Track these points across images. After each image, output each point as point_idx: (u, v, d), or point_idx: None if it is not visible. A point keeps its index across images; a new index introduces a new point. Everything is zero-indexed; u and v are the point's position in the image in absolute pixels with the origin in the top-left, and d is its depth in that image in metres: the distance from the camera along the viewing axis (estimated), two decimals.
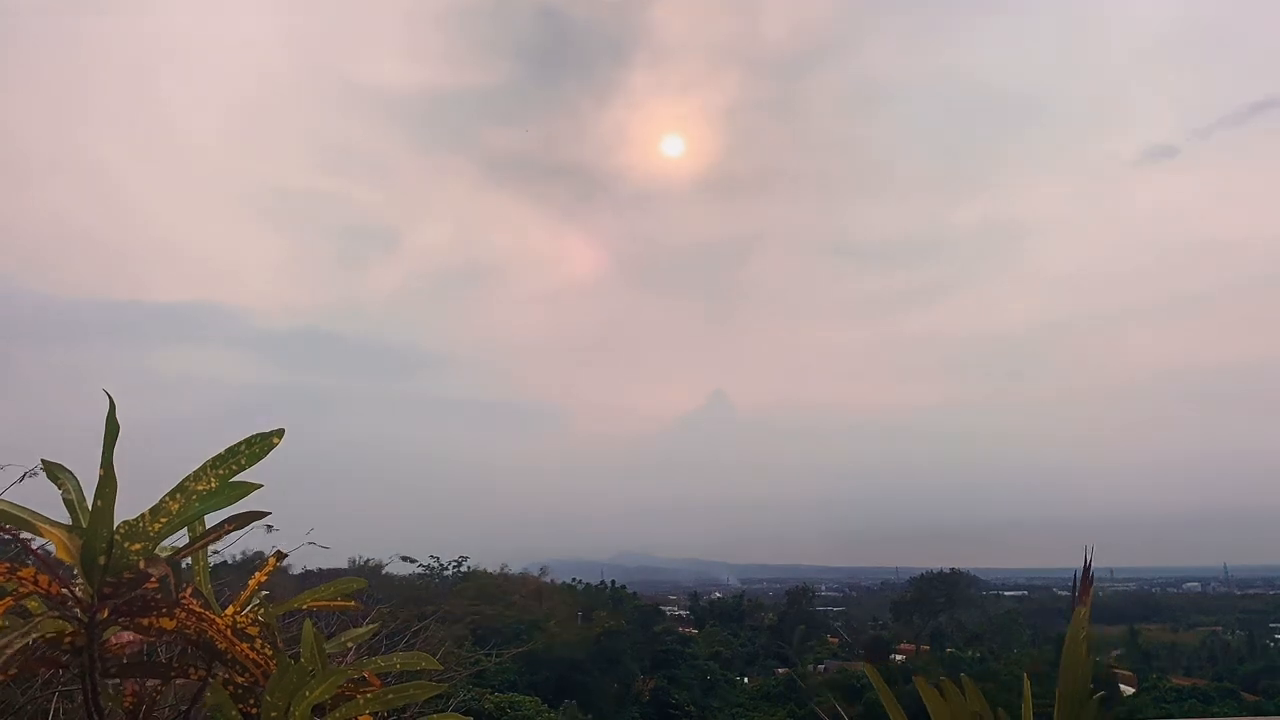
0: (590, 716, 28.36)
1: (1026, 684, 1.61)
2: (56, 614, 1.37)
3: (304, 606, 1.84)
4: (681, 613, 60.80)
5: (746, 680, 44.42)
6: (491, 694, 21.02)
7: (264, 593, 1.75)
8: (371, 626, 2.01)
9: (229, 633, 1.45)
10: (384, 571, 31.25)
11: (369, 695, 1.68)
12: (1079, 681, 1.49)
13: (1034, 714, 1.62)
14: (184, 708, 1.82)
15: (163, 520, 1.33)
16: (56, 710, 2.94)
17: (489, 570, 41.97)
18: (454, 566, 39.36)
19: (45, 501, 1.42)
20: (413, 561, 36.83)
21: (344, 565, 28.85)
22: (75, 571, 1.37)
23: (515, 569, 46.77)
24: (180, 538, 1.50)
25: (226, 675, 1.56)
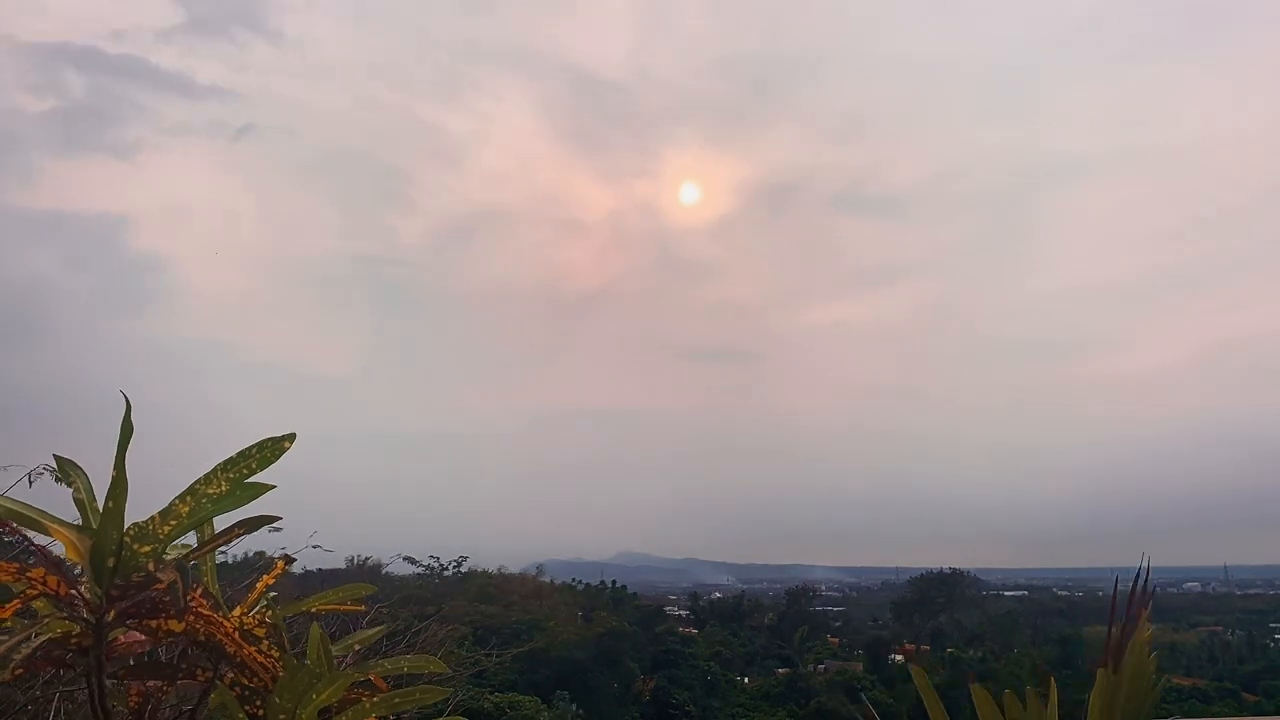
0: (581, 709, 28.39)
1: (1053, 689, 1.58)
2: (64, 615, 1.36)
3: (311, 609, 1.84)
4: (681, 613, 60.74)
5: (747, 680, 44.42)
6: (491, 694, 21.04)
7: (272, 594, 1.75)
8: (379, 629, 2.01)
9: (237, 635, 1.45)
10: (384, 571, 31.20)
11: (375, 699, 1.68)
12: (1142, 698, 1.44)
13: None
14: (188, 708, 1.82)
15: (173, 523, 1.33)
16: (58, 710, 2.94)
17: (489, 570, 41.98)
18: (454, 566, 39.33)
19: (54, 500, 1.42)
20: (413, 561, 36.81)
21: (343, 565, 28.81)
22: (83, 572, 1.36)
23: (515, 569, 46.80)
24: (189, 539, 1.50)
25: (233, 677, 1.56)
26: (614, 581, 50.95)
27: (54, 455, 1.47)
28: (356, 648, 1.99)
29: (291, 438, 1.37)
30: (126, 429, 1.28)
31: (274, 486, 1.37)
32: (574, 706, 27.54)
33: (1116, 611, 1.51)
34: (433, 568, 38.37)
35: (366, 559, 30.81)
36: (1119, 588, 1.56)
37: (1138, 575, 1.53)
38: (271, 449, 1.35)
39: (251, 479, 1.35)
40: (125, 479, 1.27)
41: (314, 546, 5.93)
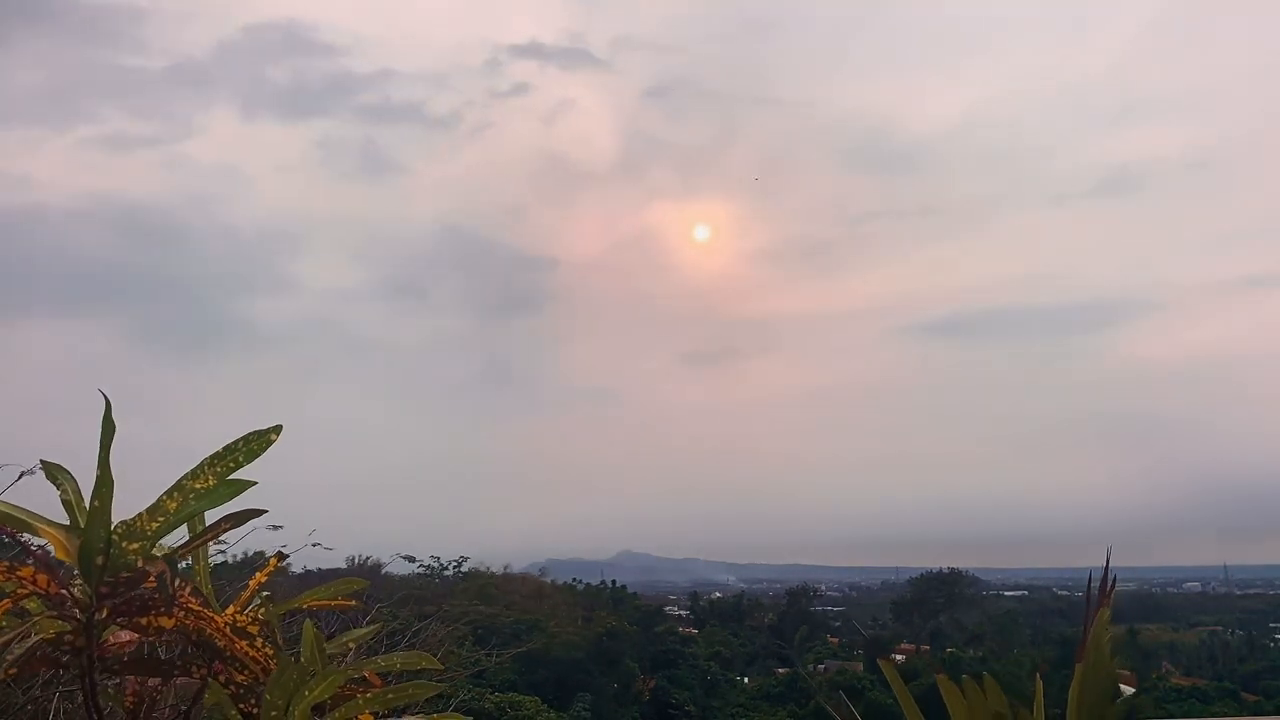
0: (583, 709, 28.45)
1: (1039, 686, 1.59)
2: (55, 614, 1.36)
3: (305, 606, 1.84)
4: (682, 613, 60.80)
5: (747, 680, 44.45)
6: (492, 694, 21.07)
7: (265, 593, 1.75)
8: (373, 627, 2.01)
9: (228, 631, 1.45)
10: (384, 571, 31.25)
11: (369, 695, 1.68)
12: (1101, 688, 1.47)
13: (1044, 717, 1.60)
14: (184, 707, 1.81)
15: (160, 519, 1.33)
16: (57, 710, 2.94)
17: (489, 570, 42.04)
18: (454, 566, 39.40)
19: (43, 502, 1.42)
20: (413, 561, 36.89)
21: (343, 565, 28.84)
22: (74, 571, 1.36)
23: (515, 569, 46.85)
24: (179, 536, 1.49)
25: (227, 675, 1.56)
26: (614, 581, 51.00)
27: (40, 461, 1.47)
28: (352, 645, 1.99)
29: (278, 430, 1.36)
30: (108, 427, 1.28)
31: (255, 483, 1.36)
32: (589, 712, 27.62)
33: (1090, 609, 1.55)
34: (433, 567, 38.45)
35: (367, 559, 30.85)
36: (1091, 587, 1.58)
37: (1105, 572, 1.57)
38: (258, 442, 1.35)
39: (237, 474, 1.35)
40: (110, 477, 1.26)
41: (313, 545, 5.93)
